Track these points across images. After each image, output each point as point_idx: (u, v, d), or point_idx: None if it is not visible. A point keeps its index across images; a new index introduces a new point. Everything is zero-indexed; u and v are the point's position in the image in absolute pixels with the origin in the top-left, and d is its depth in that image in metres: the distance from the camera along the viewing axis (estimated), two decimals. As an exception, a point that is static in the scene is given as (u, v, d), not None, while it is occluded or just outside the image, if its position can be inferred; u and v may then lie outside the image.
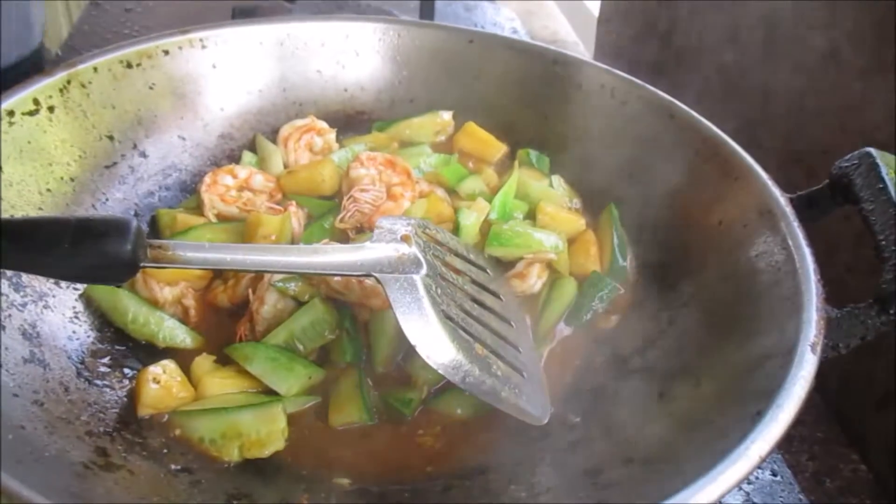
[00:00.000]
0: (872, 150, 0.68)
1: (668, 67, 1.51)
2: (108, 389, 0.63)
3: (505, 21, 1.69)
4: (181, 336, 0.70)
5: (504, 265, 0.78)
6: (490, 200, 0.82)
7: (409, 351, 0.60)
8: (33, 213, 0.71)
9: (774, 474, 0.81)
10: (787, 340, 0.57)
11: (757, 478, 0.80)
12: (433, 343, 0.59)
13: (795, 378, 0.53)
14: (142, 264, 0.54)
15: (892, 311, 0.58)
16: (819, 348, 0.56)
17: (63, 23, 1.70)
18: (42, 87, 0.74)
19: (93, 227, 0.52)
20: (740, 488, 0.78)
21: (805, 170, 1.06)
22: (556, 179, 0.87)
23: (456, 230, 0.78)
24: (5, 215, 0.68)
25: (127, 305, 0.69)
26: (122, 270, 0.53)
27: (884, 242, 0.60)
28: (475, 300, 0.68)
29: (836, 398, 0.97)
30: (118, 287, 0.69)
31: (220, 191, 0.81)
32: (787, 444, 0.93)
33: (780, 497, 0.78)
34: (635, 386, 0.67)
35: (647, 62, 1.61)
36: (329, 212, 0.80)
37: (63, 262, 0.51)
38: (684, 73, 1.45)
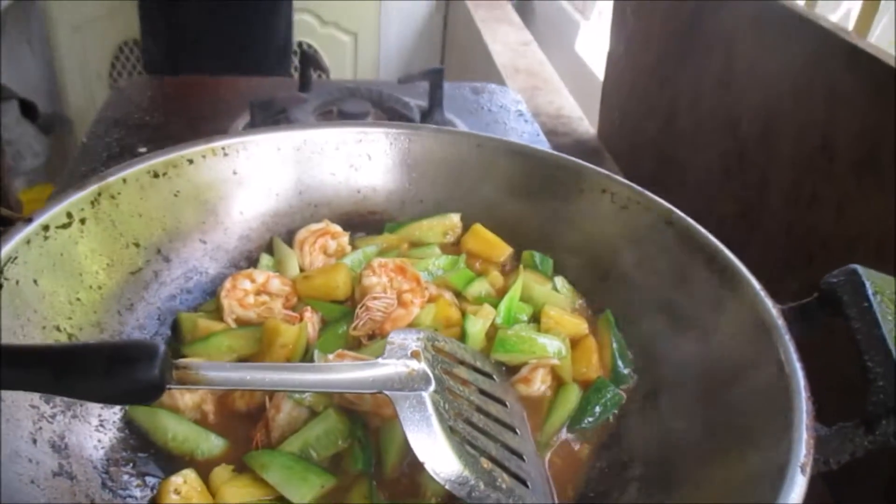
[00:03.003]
0: (858, 268, 0.71)
1: (669, 148, 1.57)
2: (130, 500, 0.67)
3: (511, 103, 1.76)
4: (218, 450, 0.73)
5: (509, 369, 0.81)
6: (496, 304, 0.85)
7: (418, 460, 0.63)
8: (64, 323, 0.75)
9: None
10: (779, 458, 0.60)
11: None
12: (440, 460, 0.62)
13: (785, 501, 0.56)
14: (168, 386, 0.57)
15: (877, 433, 0.61)
16: (809, 469, 0.59)
17: (90, 110, 1.78)
18: (75, 201, 0.79)
19: (124, 353, 0.56)
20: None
21: (806, 258, 1.10)
22: (560, 281, 0.91)
23: (463, 336, 0.81)
24: (38, 328, 0.72)
25: (167, 425, 0.73)
26: (150, 393, 0.57)
27: (869, 364, 0.64)
28: (480, 410, 0.71)
29: (839, 484, 0.99)
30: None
31: (239, 295, 0.85)
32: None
33: None
34: (636, 495, 0.70)
35: (649, 142, 1.66)
36: (343, 317, 0.84)
37: (96, 387, 0.55)
38: (685, 155, 1.50)
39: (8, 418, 0.63)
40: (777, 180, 1.18)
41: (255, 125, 1.39)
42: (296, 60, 2.80)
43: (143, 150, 1.43)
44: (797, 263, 1.13)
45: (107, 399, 0.61)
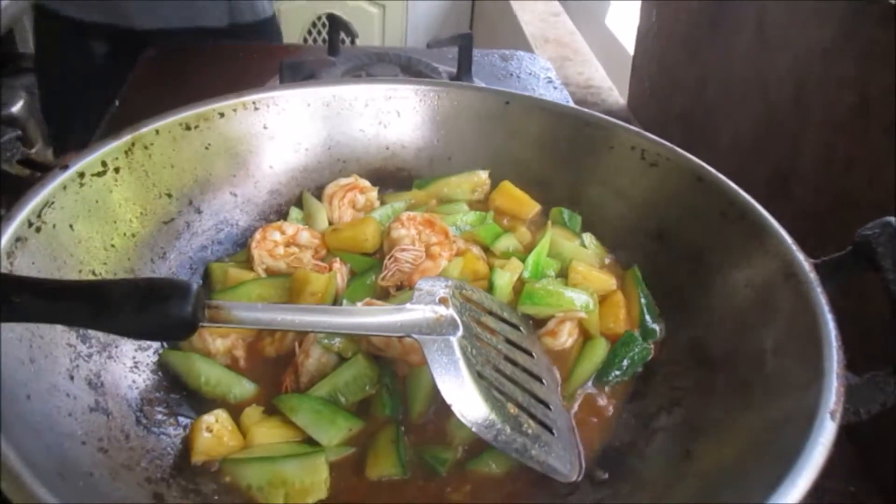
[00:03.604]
0: (893, 220, 0.70)
1: (699, 117, 1.55)
2: (164, 437, 0.68)
3: (540, 71, 1.74)
4: (249, 394, 0.74)
5: (536, 322, 0.81)
6: (523, 259, 0.85)
7: (445, 407, 0.64)
8: (99, 268, 0.77)
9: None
10: (807, 406, 0.60)
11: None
12: (468, 403, 0.63)
13: (814, 445, 0.56)
14: (201, 324, 0.58)
15: (910, 381, 0.60)
16: (839, 416, 0.59)
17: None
18: (109, 150, 0.80)
19: (158, 290, 0.57)
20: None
21: (838, 222, 1.08)
22: (588, 237, 0.91)
23: (490, 289, 0.81)
24: (74, 271, 0.73)
25: (200, 369, 0.74)
26: (182, 329, 0.58)
27: (904, 314, 0.63)
28: (508, 358, 0.72)
29: (870, 451, 0.98)
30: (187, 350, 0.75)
31: (269, 246, 0.86)
32: (819, 496, 0.94)
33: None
34: (662, 444, 0.70)
35: (679, 112, 1.64)
36: (371, 269, 0.84)
37: (130, 322, 0.56)
38: (715, 124, 1.48)
39: (46, 354, 0.65)
40: (809, 144, 1.16)
41: (284, 88, 1.39)
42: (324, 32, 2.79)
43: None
44: (829, 229, 1.12)
45: (141, 334, 0.63)
